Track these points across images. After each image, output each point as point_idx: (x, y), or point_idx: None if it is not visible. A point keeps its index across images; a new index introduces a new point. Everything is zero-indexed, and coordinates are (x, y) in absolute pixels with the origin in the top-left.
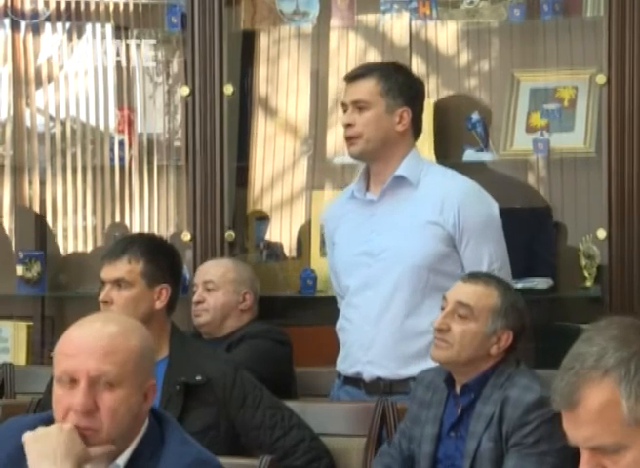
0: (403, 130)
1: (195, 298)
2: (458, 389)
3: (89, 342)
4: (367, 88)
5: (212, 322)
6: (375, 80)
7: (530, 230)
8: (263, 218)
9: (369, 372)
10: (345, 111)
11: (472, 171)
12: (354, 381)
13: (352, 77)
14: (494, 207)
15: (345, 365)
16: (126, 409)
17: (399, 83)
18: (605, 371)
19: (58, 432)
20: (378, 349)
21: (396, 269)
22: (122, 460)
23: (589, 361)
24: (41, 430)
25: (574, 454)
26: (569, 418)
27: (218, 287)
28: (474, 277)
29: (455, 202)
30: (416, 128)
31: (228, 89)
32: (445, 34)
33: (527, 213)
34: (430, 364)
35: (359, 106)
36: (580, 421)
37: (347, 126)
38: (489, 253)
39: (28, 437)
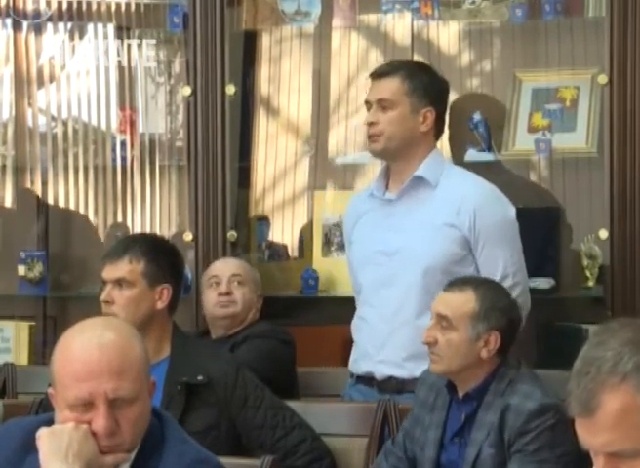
0: (426, 130)
1: (223, 289)
2: (460, 394)
3: (101, 363)
4: (392, 87)
5: (239, 315)
6: (400, 79)
7: (532, 230)
8: (265, 218)
9: (380, 372)
10: (369, 109)
11: (473, 171)
12: (366, 380)
13: (378, 75)
14: (510, 211)
15: (358, 364)
16: (144, 417)
17: (424, 82)
18: (623, 377)
19: (73, 430)
20: (390, 348)
21: (410, 269)
22: (128, 461)
23: (606, 366)
24: (57, 426)
25: (574, 461)
26: (585, 424)
27: (245, 282)
28: (451, 285)
29: (471, 205)
30: (438, 128)
31: (230, 89)
32: (447, 34)
33: (530, 212)
34: None
35: (383, 105)
36: (599, 427)
37: (370, 124)
38: (504, 256)
39: (43, 431)
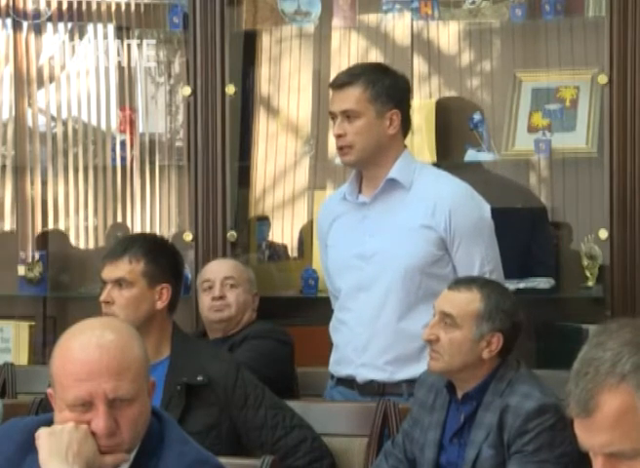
0: (394, 133)
1: (216, 294)
2: (460, 395)
3: (101, 363)
4: (355, 96)
5: (234, 317)
6: (362, 87)
7: (531, 230)
8: (265, 218)
9: (362, 375)
10: (334, 119)
11: (474, 171)
12: (347, 382)
13: (338, 85)
14: (485, 210)
15: (339, 367)
16: (144, 417)
17: (386, 86)
18: (622, 377)
19: (73, 430)
20: (371, 352)
21: (388, 272)
22: (128, 462)
23: (604, 367)
24: (57, 427)
25: (573, 461)
26: (584, 424)
27: (238, 283)
28: (457, 284)
29: (446, 205)
30: (405, 128)
31: (230, 89)
32: (447, 34)
33: (528, 213)
34: (423, 366)
35: (348, 115)
36: (597, 428)
37: (338, 136)
38: (480, 255)
39: (43, 431)
